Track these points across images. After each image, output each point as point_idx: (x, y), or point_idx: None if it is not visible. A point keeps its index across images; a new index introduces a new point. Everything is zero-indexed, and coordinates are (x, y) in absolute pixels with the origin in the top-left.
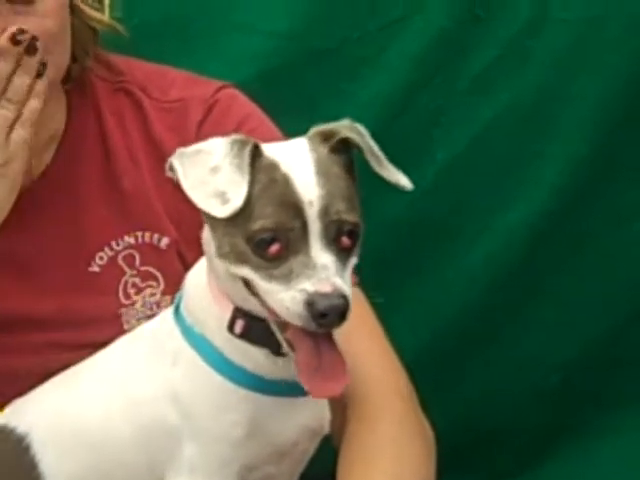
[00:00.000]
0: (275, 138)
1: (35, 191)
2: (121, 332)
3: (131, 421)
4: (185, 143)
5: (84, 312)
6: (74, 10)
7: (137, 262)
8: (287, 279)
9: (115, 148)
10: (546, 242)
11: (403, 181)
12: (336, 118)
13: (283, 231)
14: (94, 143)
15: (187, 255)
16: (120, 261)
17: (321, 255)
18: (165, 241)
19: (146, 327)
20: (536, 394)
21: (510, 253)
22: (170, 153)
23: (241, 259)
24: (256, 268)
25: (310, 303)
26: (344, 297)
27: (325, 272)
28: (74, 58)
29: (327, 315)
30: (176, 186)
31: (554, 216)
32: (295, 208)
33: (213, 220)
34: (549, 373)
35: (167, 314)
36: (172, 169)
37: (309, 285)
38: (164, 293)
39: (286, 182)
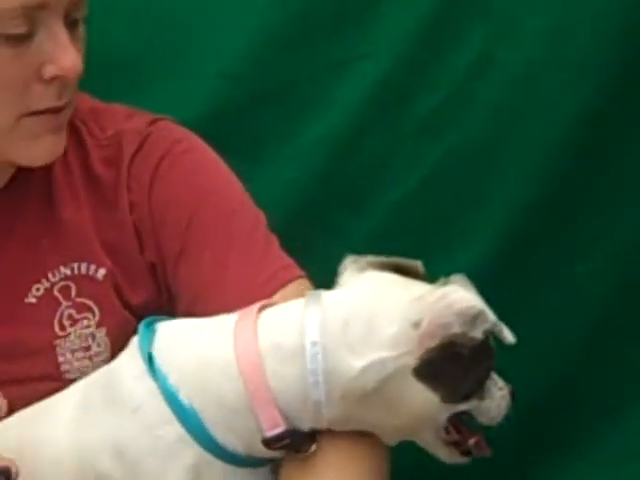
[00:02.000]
0: (204, 162)
1: None
2: (55, 364)
3: (75, 472)
4: (119, 174)
5: (19, 344)
6: None
7: (73, 293)
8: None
9: (56, 180)
10: (493, 285)
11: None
12: (284, 159)
13: None
14: (39, 174)
15: (123, 286)
16: (56, 292)
17: None
18: (101, 272)
19: (109, 367)
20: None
21: None
22: (107, 186)
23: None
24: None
25: (512, 392)
26: None
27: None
28: None
29: None
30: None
31: (502, 258)
32: None
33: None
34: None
35: (131, 356)
36: None
37: (500, 384)
38: (99, 325)
39: None
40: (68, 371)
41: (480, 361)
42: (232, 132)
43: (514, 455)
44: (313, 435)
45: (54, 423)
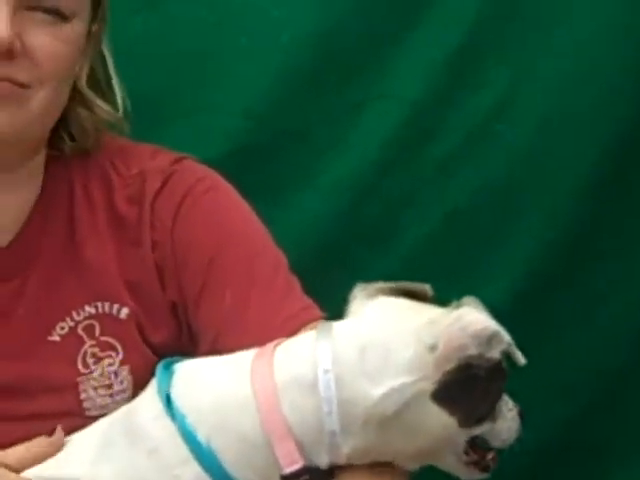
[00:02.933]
0: (226, 202)
1: (3, 259)
2: (78, 401)
3: None
4: (142, 212)
5: (42, 381)
6: (83, 99)
7: (97, 332)
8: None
9: (80, 218)
10: (514, 325)
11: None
12: (305, 199)
13: None
14: (62, 212)
15: (145, 325)
16: (80, 331)
17: None
18: (125, 311)
19: (129, 406)
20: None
21: None
22: (130, 224)
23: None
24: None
25: (521, 413)
26: None
27: None
28: (72, 137)
29: None
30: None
31: (523, 299)
32: None
33: None
34: (516, 457)
35: (149, 396)
36: None
37: (510, 404)
38: (122, 363)
39: None
40: (90, 408)
41: (495, 382)
42: (254, 171)
43: None
44: (332, 472)
45: (77, 462)
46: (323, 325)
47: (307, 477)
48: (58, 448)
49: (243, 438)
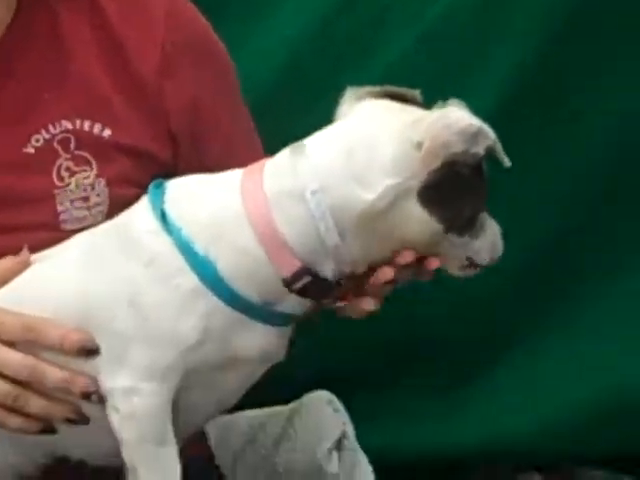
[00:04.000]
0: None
1: None
2: (54, 213)
3: (80, 318)
4: (147, 37)
5: (18, 192)
6: None
7: (72, 146)
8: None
9: (64, 32)
10: None
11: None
12: (275, 20)
13: None
14: (45, 26)
15: (147, 131)
16: (55, 144)
17: None
18: (107, 132)
19: (118, 221)
20: (474, 303)
21: None
22: (126, 45)
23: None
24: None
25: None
26: None
27: None
28: None
29: None
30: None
31: (499, 120)
32: None
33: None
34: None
35: (143, 212)
36: None
37: (493, 224)
38: (98, 176)
39: None
40: (66, 220)
41: (478, 183)
42: None
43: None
44: (338, 282)
45: (59, 265)
46: (296, 145)
47: (309, 279)
48: (25, 266)
49: (242, 251)
